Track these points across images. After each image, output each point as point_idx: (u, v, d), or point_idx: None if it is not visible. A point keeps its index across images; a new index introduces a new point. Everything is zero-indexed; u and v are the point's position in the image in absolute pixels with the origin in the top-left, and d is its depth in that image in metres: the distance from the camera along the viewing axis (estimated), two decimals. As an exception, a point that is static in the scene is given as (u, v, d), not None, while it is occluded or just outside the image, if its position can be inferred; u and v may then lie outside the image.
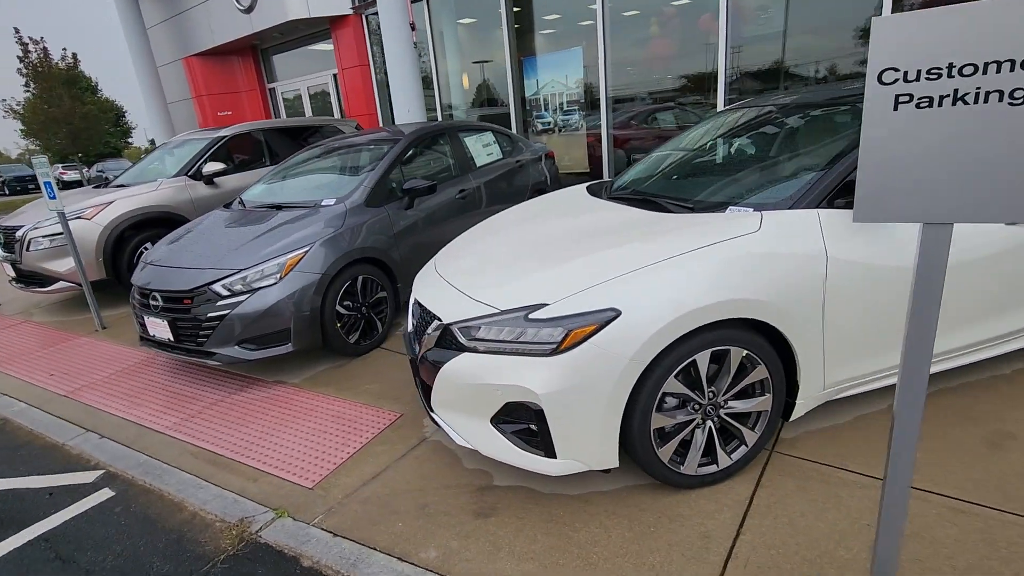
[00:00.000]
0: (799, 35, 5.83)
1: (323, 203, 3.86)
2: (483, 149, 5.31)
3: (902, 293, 2.17)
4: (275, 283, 3.29)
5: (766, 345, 2.07)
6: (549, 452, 2.02)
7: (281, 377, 3.56)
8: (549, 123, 7.58)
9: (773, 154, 2.68)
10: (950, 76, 1.07)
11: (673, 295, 1.91)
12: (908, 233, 2.13)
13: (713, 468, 2.16)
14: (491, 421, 2.13)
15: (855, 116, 2.51)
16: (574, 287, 2.01)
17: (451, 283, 2.45)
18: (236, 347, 3.29)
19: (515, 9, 7.49)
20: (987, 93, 1.05)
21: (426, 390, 2.42)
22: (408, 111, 6.93)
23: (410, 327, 2.75)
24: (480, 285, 2.31)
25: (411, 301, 2.81)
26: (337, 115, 10.74)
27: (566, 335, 1.92)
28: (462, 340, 2.16)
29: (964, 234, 2.17)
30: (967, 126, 1.08)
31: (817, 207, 2.13)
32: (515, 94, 7.70)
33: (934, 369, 2.42)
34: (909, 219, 1.17)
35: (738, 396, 2.13)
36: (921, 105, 1.10)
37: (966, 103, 1.07)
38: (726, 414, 2.13)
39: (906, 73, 1.10)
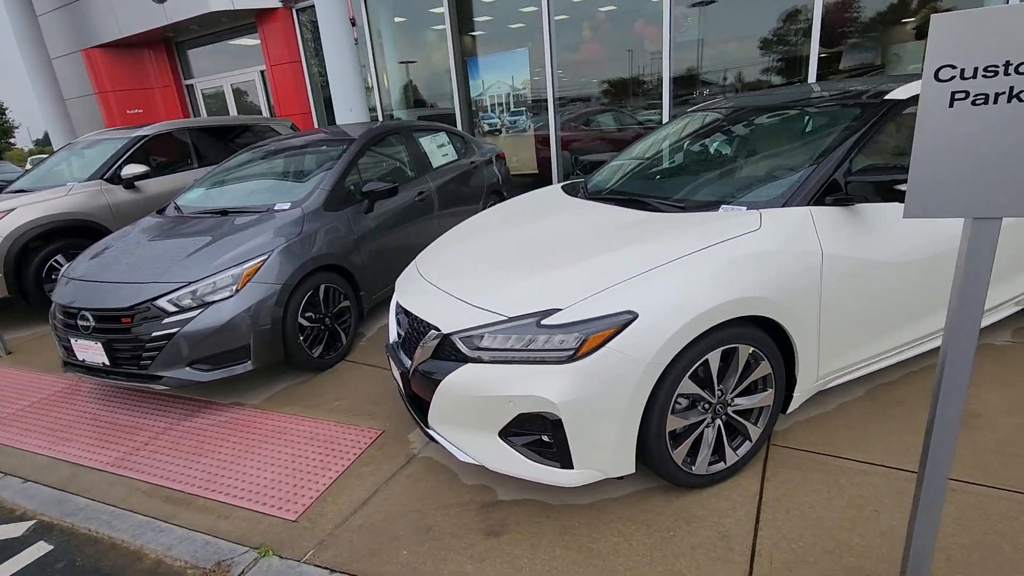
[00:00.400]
0: (732, 41, 6.12)
1: (277, 207, 3.57)
2: (438, 150, 5.16)
3: (889, 285, 2.31)
4: (231, 296, 2.99)
5: (769, 341, 2.10)
6: (566, 463, 1.94)
7: (238, 399, 3.25)
8: (496, 124, 7.51)
9: (753, 154, 2.75)
10: (1006, 74, 1.09)
11: (688, 295, 1.89)
12: (893, 229, 2.24)
13: (721, 466, 2.17)
14: (500, 435, 2.02)
15: (828, 116, 2.63)
16: (585, 291, 1.94)
17: (443, 288, 2.31)
18: (188, 368, 2.96)
19: (456, 8, 7.37)
20: (1042, 91, 1.08)
21: (419, 405, 2.28)
22: (350, 110, 6.62)
23: (394, 336, 2.58)
24: (477, 290, 2.19)
25: (393, 308, 2.64)
26: (266, 113, 10.11)
27: (583, 340, 1.85)
28: (464, 350, 2.04)
29: (940, 228, 2.32)
30: (1022, 122, 1.11)
31: (808, 204, 2.19)
32: (460, 94, 7.57)
33: (910, 353, 2.57)
34: (959, 214, 1.20)
35: (743, 393, 2.15)
36: (977, 102, 1.12)
37: (1021, 100, 1.10)
38: (732, 411, 2.14)
39: (963, 71, 1.11)
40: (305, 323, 3.33)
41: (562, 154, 7.12)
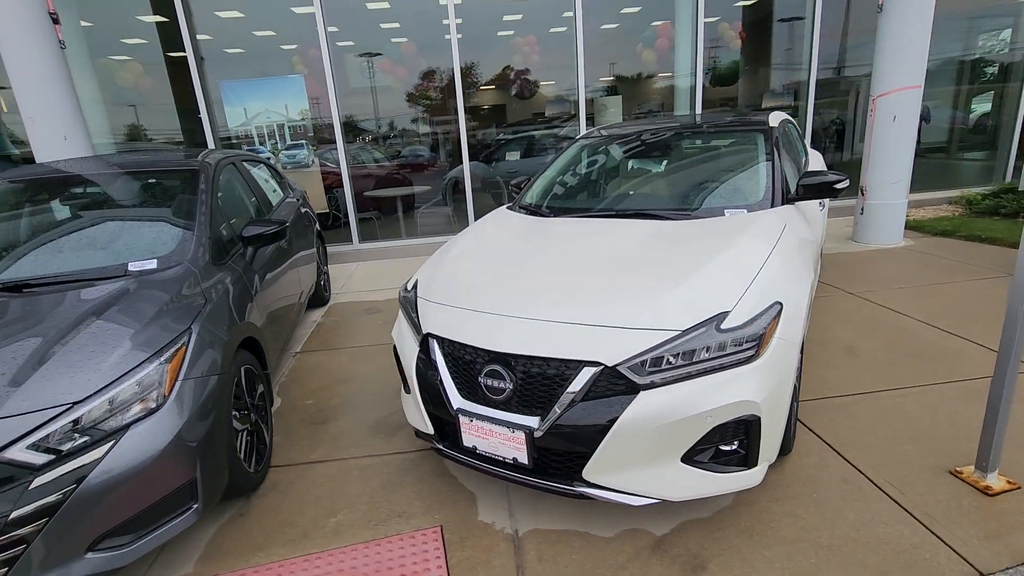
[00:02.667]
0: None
1: (134, 267, 2.35)
2: (267, 185, 4.18)
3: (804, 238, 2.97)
4: (156, 408, 1.84)
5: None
6: (751, 462, 1.94)
7: None
8: (269, 159, 6.42)
9: (711, 168, 3.20)
10: None
11: (798, 277, 2.15)
12: (809, 212, 2.97)
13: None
14: (683, 459, 1.88)
15: (732, 139, 3.30)
16: (729, 291, 1.99)
17: (556, 320, 1.98)
18: (89, 556, 1.69)
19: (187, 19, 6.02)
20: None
21: (559, 463, 1.92)
22: (65, 138, 4.69)
23: (457, 399, 2.06)
24: (604, 314, 1.97)
25: (443, 361, 2.12)
26: None
27: (762, 336, 1.90)
28: (635, 379, 1.83)
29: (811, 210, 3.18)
30: None
31: (783, 204, 2.75)
32: (211, 123, 6.18)
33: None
34: None
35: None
36: None
37: None
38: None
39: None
40: (238, 426, 2.29)
41: (354, 190, 6.58)
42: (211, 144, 6.19)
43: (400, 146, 7.25)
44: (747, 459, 1.93)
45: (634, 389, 1.83)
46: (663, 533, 2.05)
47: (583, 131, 6.83)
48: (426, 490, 2.40)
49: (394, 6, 6.56)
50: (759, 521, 2.08)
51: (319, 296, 4.89)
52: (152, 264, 2.39)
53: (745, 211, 2.68)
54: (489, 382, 2.01)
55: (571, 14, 6.45)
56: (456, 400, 2.09)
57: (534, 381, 1.94)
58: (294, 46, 6.36)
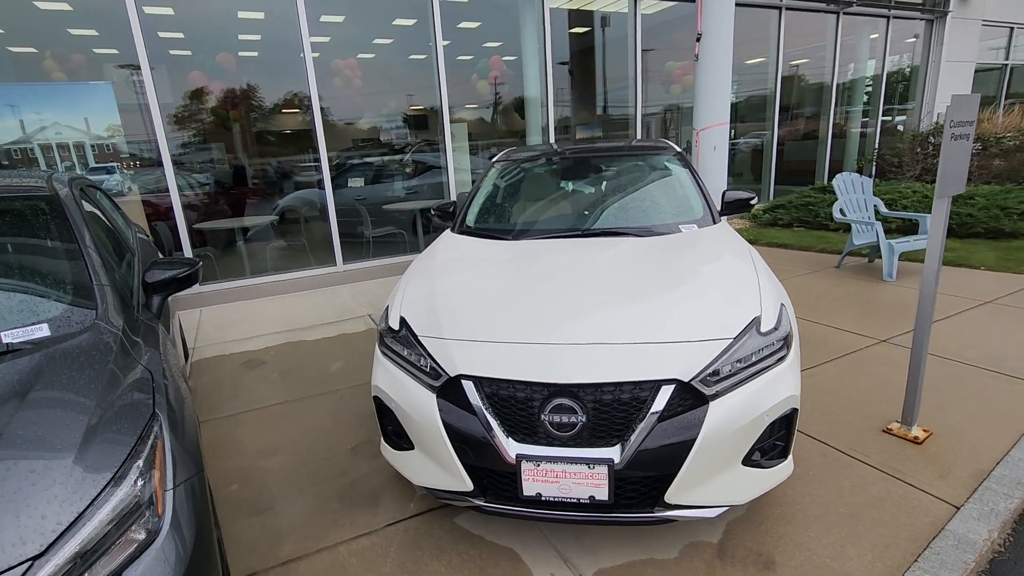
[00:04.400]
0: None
1: (26, 335, 1.59)
2: (120, 217, 3.24)
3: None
4: (149, 541, 1.25)
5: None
6: (787, 453, 2.10)
7: None
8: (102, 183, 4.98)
9: (647, 187, 3.37)
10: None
11: (774, 280, 2.41)
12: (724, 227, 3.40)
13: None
14: (743, 462, 1.95)
15: (646, 161, 3.58)
16: (748, 298, 2.15)
17: (605, 342, 1.91)
18: None
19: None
20: None
21: (640, 492, 1.85)
22: None
23: (515, 449, 1.84)
24: (648, 329, 1.96)
25: (500, 402, 1.88)
26: None
27: (789, 333, 2.09)
28: (704, 391, 1.86)
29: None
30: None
31: (721, 220, 3.09)
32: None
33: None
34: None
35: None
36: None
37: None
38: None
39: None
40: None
41: (186, 220, 5.47)
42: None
43: (238, 171, 6.28)
44: (786, 450, 2.09)
45: (703, 401, 1.85)
46: (719, 539, 2.09)
47: (451, 155, 6.78)
48: (456, 560, 2.07)
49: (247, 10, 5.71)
50: (785, 506, 2.25)
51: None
52: (42, 331, 1.65)
53: (695, 226, 2.94)
54: (556, 418, 1.83)
55: (432, 44, 6.40)
56: (512, 446, 1.86)
57: (608, 409, 1.83)
58: (112, 50, 5.08)
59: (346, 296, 5.81)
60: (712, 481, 1.89)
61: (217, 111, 5.75)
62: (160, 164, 5.14)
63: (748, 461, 1.96)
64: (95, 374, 1.50)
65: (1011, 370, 3.26)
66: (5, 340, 1.59)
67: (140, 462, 1.33)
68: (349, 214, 6.95)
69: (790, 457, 2.10)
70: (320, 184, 6.11)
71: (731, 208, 3.24)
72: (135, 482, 1.28)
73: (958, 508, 2.17)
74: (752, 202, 3.25)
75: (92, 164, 5.06)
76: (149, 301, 2.20)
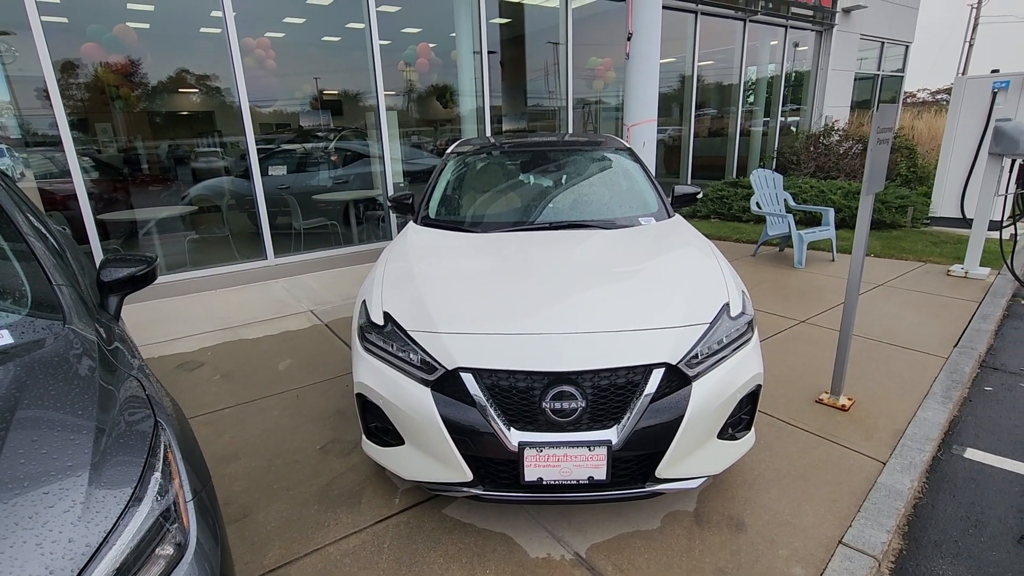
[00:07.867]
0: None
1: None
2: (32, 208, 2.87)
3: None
4: (178, 558, 1.18)
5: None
6: (751, 425, 2.32)
7: None
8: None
9: (603, 182, 3.48)
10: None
11: (731, 269, 2.64)
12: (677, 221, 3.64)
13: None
14: (718, 436, 2.14)
15: (600, 156, 3.73)
16: (715, 285, 2.34)
17: (592, 331, 2.01)
18: None
19: None
20: None
21: (635, 468, 1.98)
22: None
23: (523, 436, 1.91)
24: (634, 316, 2.10)
25: (500, 392, 1.93)
26: None
27: (753, 316, 2.30)
28: (688, 372, 2.02)
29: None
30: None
31: (675, 215, 3.29)
32: None
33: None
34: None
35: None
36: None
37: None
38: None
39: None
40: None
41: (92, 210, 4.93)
42: None
43: (154, 155, 5.73)
44: (750, 423, 2.31)
45: (687, 382, 2.01)
46: (695, 508, 2.28)
47: (388, 144, 6.59)
48: (452, 550, 2.10)
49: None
50: (745, 471, 2.49)
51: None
52: (4, 337, 1.46)
53: (653, 219, 3.12)
54: (558, 405, 1.91)
55: (362, 26, 6.16)
56: (513, 435, 1.91)
57: (606, 394, 1.93)
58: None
59: (280, 291, 5.52)
60: (694, 455, 2.06)
61: (115, 88, 5.20)
62: (59, 144, 4.58)
63: (722, 435, 2.15)
64: (85, 385, 1.37)
65: (906, 343, 3.78)
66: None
67: (158, 474, 1.24)
68: (276, 204, 6.58)
69: (752, 429, 2.33)
70: (246, 173, 5.72)
71: (680, 202, 3.47)
72: (156, 496, 1.20)
73: (884, 463, 2.51)
74: (698, 195, 3.49)
75: (-27, 145, 4.40)
76: (105, 302, 2.00)
